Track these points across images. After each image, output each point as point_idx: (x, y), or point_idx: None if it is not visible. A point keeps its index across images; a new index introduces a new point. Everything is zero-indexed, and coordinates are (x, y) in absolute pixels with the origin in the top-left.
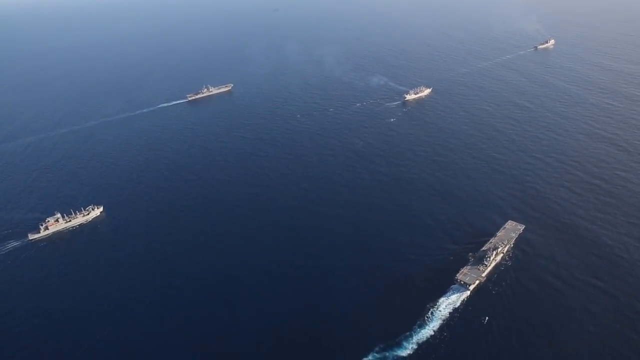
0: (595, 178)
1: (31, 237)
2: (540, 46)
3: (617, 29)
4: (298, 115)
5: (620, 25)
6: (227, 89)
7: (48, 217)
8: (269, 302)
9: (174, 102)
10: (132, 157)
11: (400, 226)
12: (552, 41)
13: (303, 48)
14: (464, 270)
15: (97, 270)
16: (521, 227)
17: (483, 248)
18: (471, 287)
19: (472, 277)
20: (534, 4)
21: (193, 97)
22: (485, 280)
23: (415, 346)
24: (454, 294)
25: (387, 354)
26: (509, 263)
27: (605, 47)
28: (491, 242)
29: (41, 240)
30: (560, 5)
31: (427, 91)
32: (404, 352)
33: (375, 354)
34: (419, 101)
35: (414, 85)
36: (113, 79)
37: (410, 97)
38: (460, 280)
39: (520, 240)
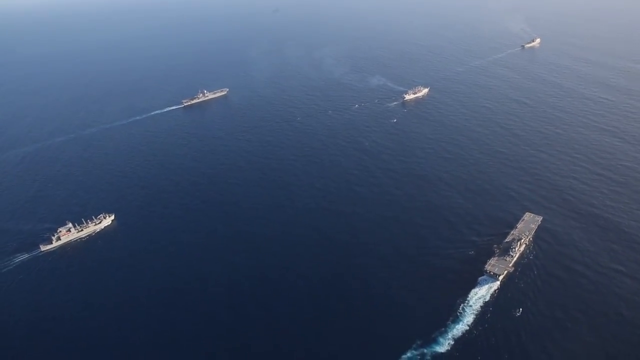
0: (603, 169)
1: (43, 248)
2: (527, 45)
3: (597, 27)
4: (298, 118)
5: (599, 24)
6: (222, 93)
7: (59, 227)
8: (301, 302)
9: (170, 108)
10: (137, 164)
11: (421, 221)
12: (537, 40)
13: (298, 50)
14: (492, 261)
15: (119, 279)
16: (539, 218)
17: (506, 240)
18: (500, 278)
19: (501, 267)
20: (518, 4)
21: (189, 102)
22: (513, 271)
23: (452, 342)
24: (484, 285)
25: (425, 350)
26: (533, 253)
27: (589, 44)
28: (513, 234)
29: (54, 251)
30: (542, 6)
31: (425, 90)
32: (442, 349)
33: (413, 351)
34: (418, 101)
35: (412, 85)
36: (106, 85)
37: (409, 97)
38: (490, 271)
39: (540, 230)
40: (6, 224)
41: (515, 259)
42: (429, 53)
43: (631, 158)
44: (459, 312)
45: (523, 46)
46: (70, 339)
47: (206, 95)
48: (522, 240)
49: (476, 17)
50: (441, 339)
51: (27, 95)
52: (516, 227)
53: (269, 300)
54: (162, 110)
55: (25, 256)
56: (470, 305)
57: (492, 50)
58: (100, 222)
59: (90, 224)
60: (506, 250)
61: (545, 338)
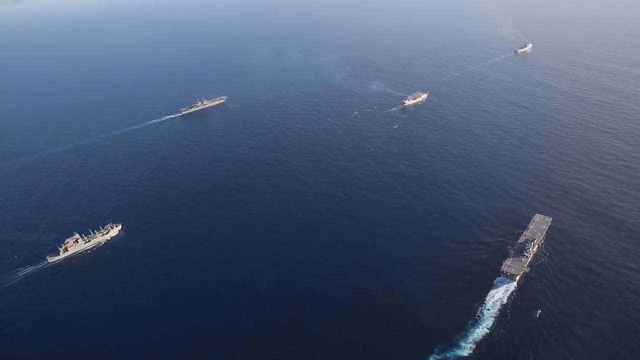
0: (606, 170)
1: (50, 259)
2: (520, 50)
3: (587, 32)
4: (299, 125)
5: (588, 28)
6: (221, 101)
7: (65, 238)
8: (321, 306)
9: (168, 117)
10: (141, 173)
11: (433, 224)
12: (529, 45)
13: (296, 57)
14: (507, 262)
15: (131, 288)
16: (549, 219)
17: (519, 240)
18: (517, 278)
19: (517, 268)
20: (508, 11)
21: (187, 111)
22: (528, 271)
23: (473, 345)
24: (501, 286)
25: (448, 354)
26: (547, 253)
27: (579, 48)
28: (525, 235)
29: (61, 262)
30: (533, 12)
31: (424, 96)
32: (464, 352)
33: (435, 356)
34: (417, 106)
35: (410, 91)
36: (102, 94)
37: (409, 102)
38: (506, 272)
39: (552, 231)
40: (9, 236)
41: (529, 259)
42: (425, 59)
43: (632, 159)
44: (479, 315)
45: (516, 51)
46: (82, 350)
47: (204, 103)
48: (535, 241)
49: (468, 23)
50: (462, 343)
51: (22, 104)
52: (528, 228)
53: (289, 304)
54: (160, 119)
55: (32, 268)
56: (489, 308)
57: (486, 55)
58: (107, 232)
59: (97, 234)
60: (520, 251)
61: (568, 336)
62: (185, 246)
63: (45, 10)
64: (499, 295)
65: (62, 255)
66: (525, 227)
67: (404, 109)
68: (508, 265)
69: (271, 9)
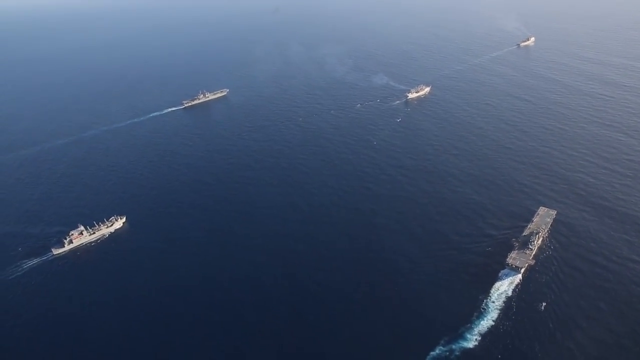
0: (611, 163)
1: (55, 251)
2: (522, 43)
3: (590, 25)
4: (301, 118)
5: (592, 22)
6: (223, 94)
7: (70, 230)
8: (326, 299)
9: (170, 109)
10: (144, 165)
11: (438, 217)
12: (532, 38)
13: (298, 50)
14: (513, 254)
15: (136, 281)
16: (553, 212)
17: (524, 233)
18: (522, 271)
19: (522, 260)
20: (510, 4)
21: (190, 103)
22: (533, 264)
23: (478, 337)
24: (506, 278)
25: (453, 346)
26: (551, 246)
27: (582, 42)
28: (530, 228)
29: (66, 254)
30: (535, 5)
31: (427, 89)
32: (470, 344)
33: (441, 347)
34: (421, 99)
35: (413, 84)
36: (104, 86)
37: (412, 95)
38: (511, 264)
39: (556, 224)
40: (13, 228)
41: (534, 252)
42: (428, 52)
43: (636, 152)
44: (484, 307)
45: (519, 45)
46: (87, 342)
47: (206, 96)
48: (540, 234)
49: (470, 16)
50: (468, 335)
51: (23, 96)
52: (532, 221)
53: (293, 297)
54: (162, 112)
55: (37, 260)
56: (494, 300)
57: (488, 48)
58: (112, 225)
59: (102, 227)
60: (525, 244)
61: (573, 328)
62: (189, 238)
63: (46, 1)
64: (504, 287)
65: (66, 247)
66: (529, 220)
67: (407, 102)
68: (513, 257)
69: (272, 9)
